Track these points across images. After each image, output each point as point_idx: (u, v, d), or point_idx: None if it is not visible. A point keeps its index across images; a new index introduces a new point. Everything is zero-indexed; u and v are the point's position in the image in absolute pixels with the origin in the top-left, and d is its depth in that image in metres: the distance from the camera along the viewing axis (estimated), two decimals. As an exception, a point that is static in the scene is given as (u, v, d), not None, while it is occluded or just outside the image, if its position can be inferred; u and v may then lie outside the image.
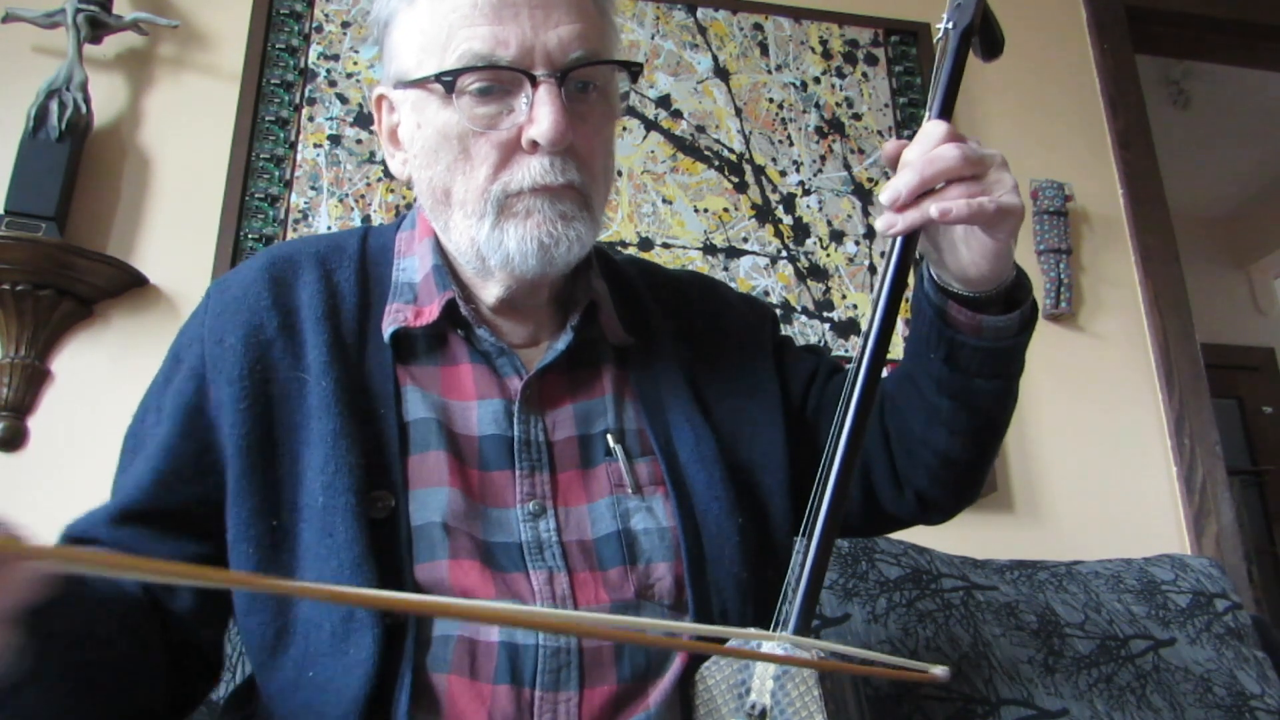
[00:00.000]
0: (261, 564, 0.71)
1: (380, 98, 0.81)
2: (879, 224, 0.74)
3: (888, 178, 1.99)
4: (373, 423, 0.74)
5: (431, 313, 0.78)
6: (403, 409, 0.76)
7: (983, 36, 0.79)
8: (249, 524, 0.71)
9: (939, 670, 0.54)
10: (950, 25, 0.78)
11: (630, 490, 0.78)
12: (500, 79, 0.71)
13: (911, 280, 0.79)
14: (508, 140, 0.72)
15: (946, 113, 0.76)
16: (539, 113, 0.70)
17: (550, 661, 0.68)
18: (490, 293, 0.80)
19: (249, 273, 0.80)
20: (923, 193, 0.71)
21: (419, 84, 0.74)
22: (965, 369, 0.78)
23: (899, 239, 0.75)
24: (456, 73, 0.71)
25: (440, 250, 0.82)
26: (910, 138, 0.75)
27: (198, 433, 0.74)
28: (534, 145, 0.71)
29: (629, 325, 0.86)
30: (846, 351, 1.87)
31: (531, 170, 0.72)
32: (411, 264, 0.83)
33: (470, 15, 0.71)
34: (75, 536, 0.76)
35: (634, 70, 0.77)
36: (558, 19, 0.72)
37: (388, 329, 0.78)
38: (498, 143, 0.72)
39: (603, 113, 0.77)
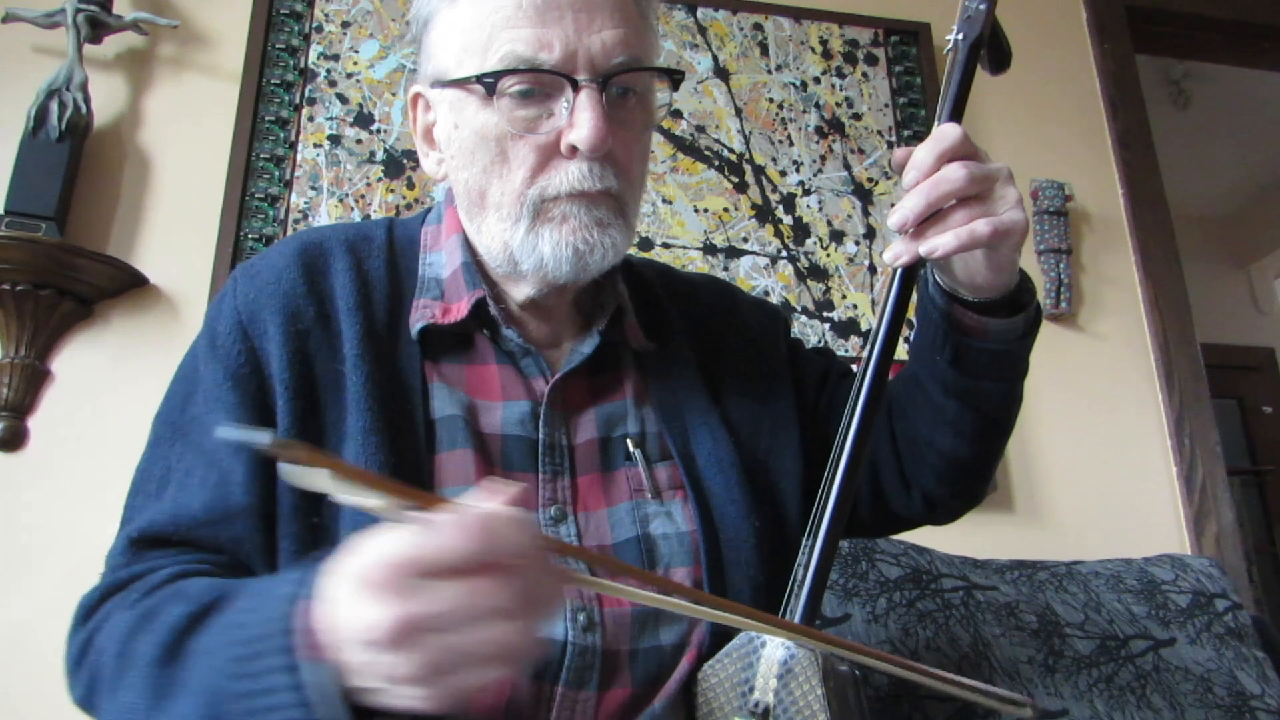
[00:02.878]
0: (301, 563, 0.69)
1: (416, 96, 0.80)
2: (887, 255, 0.74)
3: (888, 178, 2.00)
4: (402, 419, 0.73)
5: (460, 310, 0.77)
6: (430, 406, 0.75)
7: (990, 49, 0.80)
8: (290, 519, 0.69)
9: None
10: (960, 37, 0.78)
11: (649, 495, 0.78)
12: (542, 82, 0.71)
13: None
14: (547, 144, 0.71)
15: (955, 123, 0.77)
16: (580, 118, 0.69)
17: (577, 660, 0.68)
18: (520, 293, 0.79)
19: (280, 258, 0.78)
20: (930, 214, 0.72)
21: (458, 84, 0.73)
22: (972, 371, 0.79)
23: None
24: (498, 74, 0.70)
25: (469, 247, 0.80)
26: (910, 139, 0.75)
27: (268, 426, 0.71)
28: (573, 150, 0.71)
29: (648, 329, 0.86)
30: (847, 351, 1.87)
31: (570, 175, 0.71)
32: (438, 259, 0.82)
33: (513, 17, 0.70)
34: (161, 537, 0.70)
35: (676, 78, 0.76)
36: (601, 23, 0.71)
37: (415, 325, 0.77)
38: (536, 146, 0.71)
39: (642, 120, 0.77)
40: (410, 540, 0.45)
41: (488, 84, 0.70)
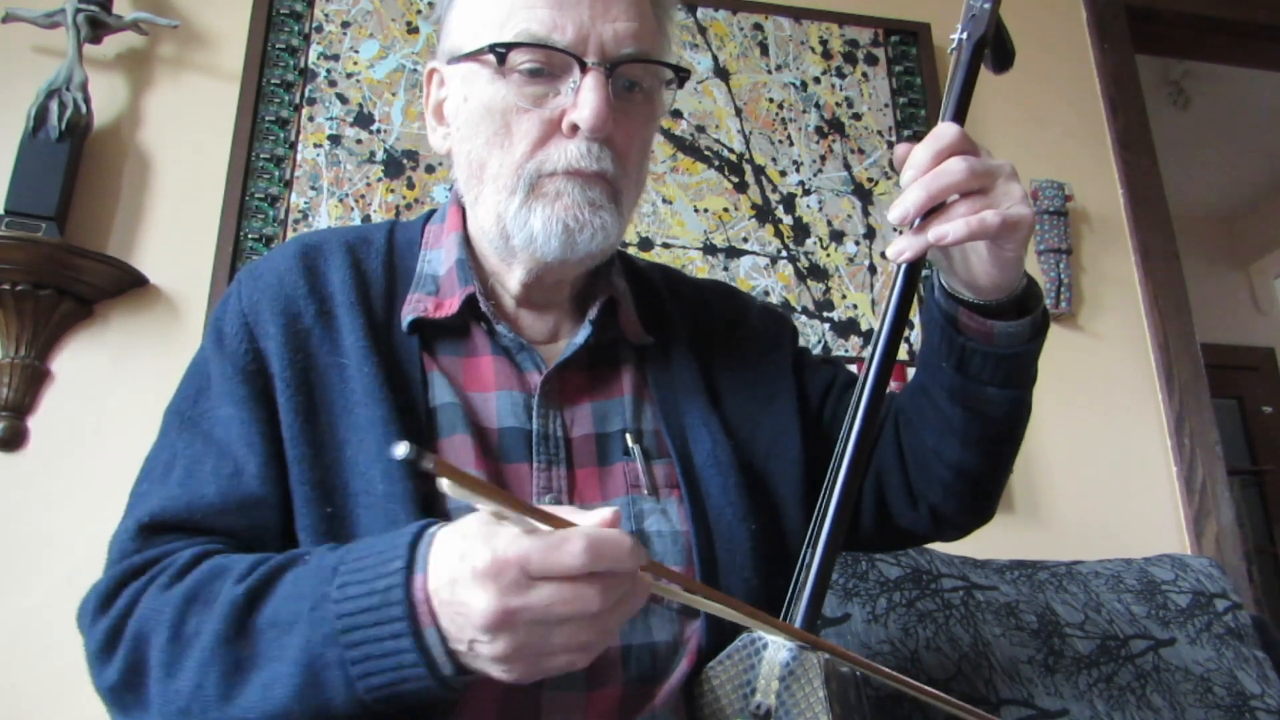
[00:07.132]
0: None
1: (431, 71, 0.83)
2: (890, 251, 0.74)
3: (888, 178, 2.00)
4: (408, 408, 0.75)
5: (451, 306, 0.79)
6: (430, 394, 0.77)
7: (994, 48, 0.80)
8: (303, 512, 0.70)
9: None
10: (964, 35, 0.78)
11: (646, 491, 0.78)
12: (551, 61, 0.73)
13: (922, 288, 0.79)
14: (549, 120, 0.74)
15: (959, 122, 0.76)
16: (583, 98, 0.72)
17: None
18: (514, 279, 0.80)
19: (282, 260, 0.80)
20: (932, 207, 0.72)
21: (472, 56, 0.75)
22: (977, 376, 0.78)
23: None
24: (510, 45, 0.72)
25: (466, 244, 0.82)
26: (911, 139, 0.75)
27: (274, 422, 0.73)
28: (574, 129, 0.73)
29: (649, 325, 0.87)
30: (846, 351, 1.87)
31: (568, 153, 0.73)
32: (437, 256, 0.84)
33: None
34: (173, 523, 0.71)
35: (682, 76, 0.79)
36: (616, 14, 0.74)
37: (407, 317, 0.79)
38: (539, 121, 0.74)
39: (645, 114, 0.78)
40: (526, 543, 0.52)
41: (499, 54, 0.73)
